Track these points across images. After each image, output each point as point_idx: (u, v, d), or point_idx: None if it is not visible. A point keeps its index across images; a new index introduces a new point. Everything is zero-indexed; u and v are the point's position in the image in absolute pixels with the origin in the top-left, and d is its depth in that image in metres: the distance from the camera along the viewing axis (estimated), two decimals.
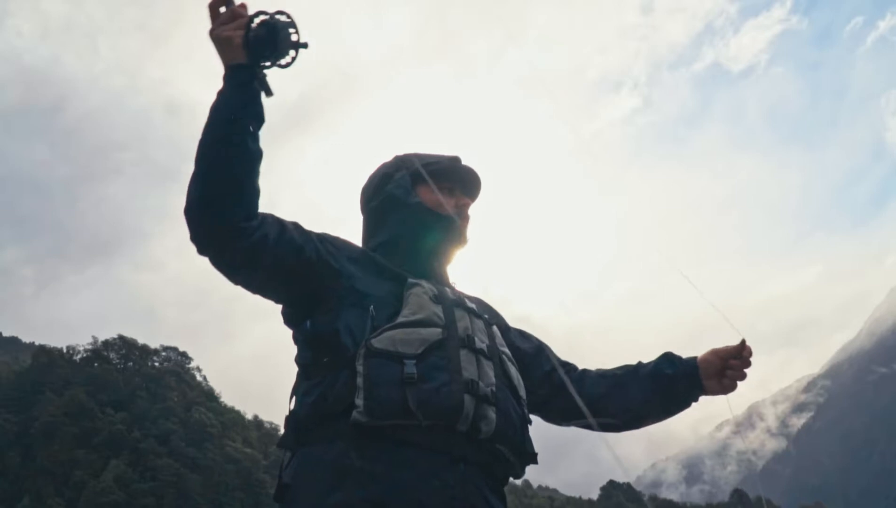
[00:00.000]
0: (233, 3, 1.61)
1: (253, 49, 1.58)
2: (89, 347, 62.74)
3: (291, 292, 1.74)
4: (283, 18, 1.61)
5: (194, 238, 1.58)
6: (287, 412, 1.65)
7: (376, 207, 1.94)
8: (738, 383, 1.91)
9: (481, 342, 1.67)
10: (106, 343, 62.43)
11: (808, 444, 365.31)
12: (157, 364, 61.52)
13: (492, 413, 1.56)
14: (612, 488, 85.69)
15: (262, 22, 1.59)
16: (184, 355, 64.14)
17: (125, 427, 51.70)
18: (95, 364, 60.12)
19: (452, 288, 1.86)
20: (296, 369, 1.75)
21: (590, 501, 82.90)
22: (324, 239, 1.77)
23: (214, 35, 1.60)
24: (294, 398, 1.67)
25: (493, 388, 1.60)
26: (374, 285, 1.72)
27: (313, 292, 1.70)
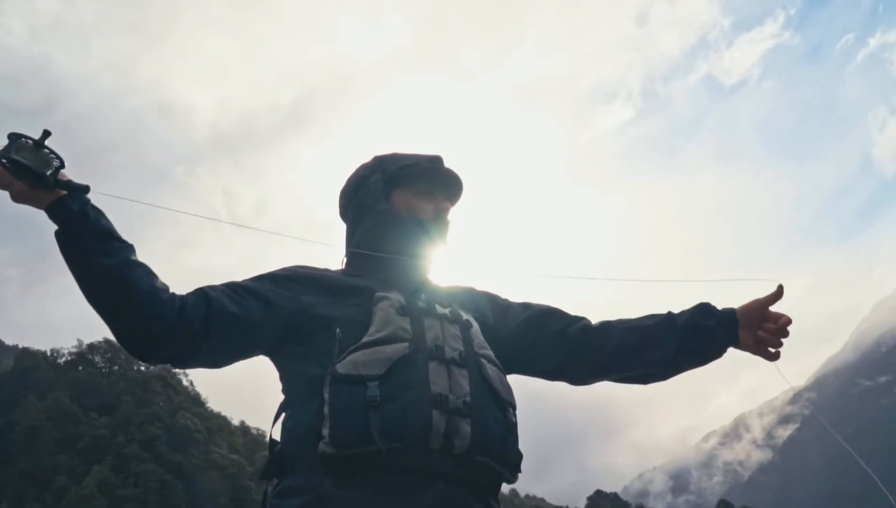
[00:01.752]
0: None
1: (33, 183, 1.49)
2: (74, 350, 62.28)
3: (256, 348, 1.69)
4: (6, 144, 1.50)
5: (136, 356, 1.60)
6: (269, 439, 1.63)
7: (352, 214, 1.89)
8: (773, 351, 1.80)
9: (453, 351, 1.60)
10: (91, 347, 61.92)
11: (794, 455, 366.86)
12: (142, 369, 60.95)
13: (466, 426, 1.50)
14: (598, 497, 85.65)
15: (6, 161, 1.48)
16: None
17: (109, 432, 51.26)
18: (80, 368, 59.62)
19: (431, 292, 1.79)
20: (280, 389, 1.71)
21: None
22: (278, 279, 1.72)
23: (15, 200, 1.52)
24: (276, 426, 1.63)
25: (468, 398, 1.53)
26: (340, 306, 1.66)
27: (279, 334, 1.66)
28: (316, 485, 1.47)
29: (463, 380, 1.56)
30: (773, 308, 1.80)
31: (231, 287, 1.66)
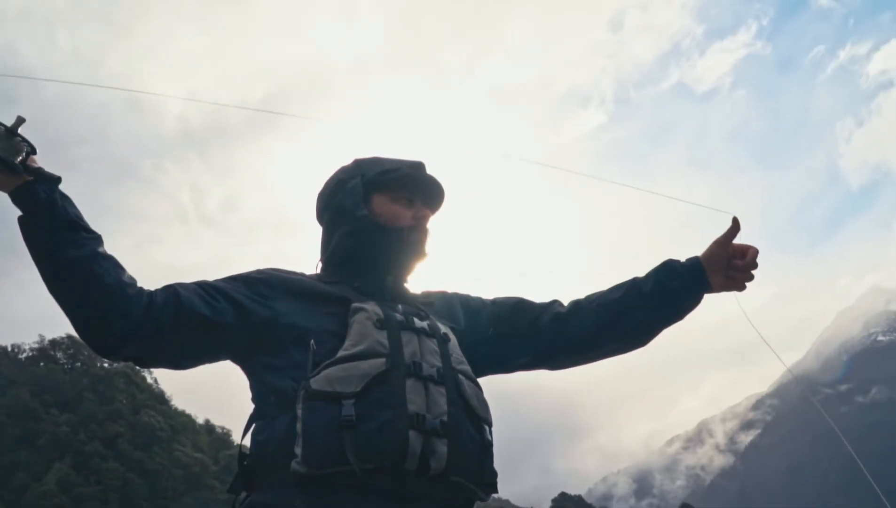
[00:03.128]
0: None
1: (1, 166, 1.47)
2: (35, 346, 61.01)
3: (223, 353, 1.67)
4: None
5: (89, 347, 1.55)
6: (239, 451, 1.58)
7: (329, 218, 1.85)
8: (748, 284, 1.84)
9: (430, 367, 1.55)
10: (53, 343, 60.71)
11: (755, 461, 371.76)
12: (105, 365, 60.01)
13: (442, 447, 1.46)
14: (563, 499, 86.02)
15: None
16: None
17: (70, 429, 50.34)
18: (41, 364, 58.48)
19: (408, 302, 1.76)
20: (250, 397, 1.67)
21: None
22: (252, 282, 1.68)
23: None
24: (246, 437, 1.59)
25: (444, 418, 1.49)
26: (315, 315, 1.63)
27: (246, 341, 1.62)
28: (286, 504, 1.42)
29: (440, 398, 1.52)
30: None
31: (203, 287, 1.62)
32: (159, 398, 59.45)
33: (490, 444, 1.61)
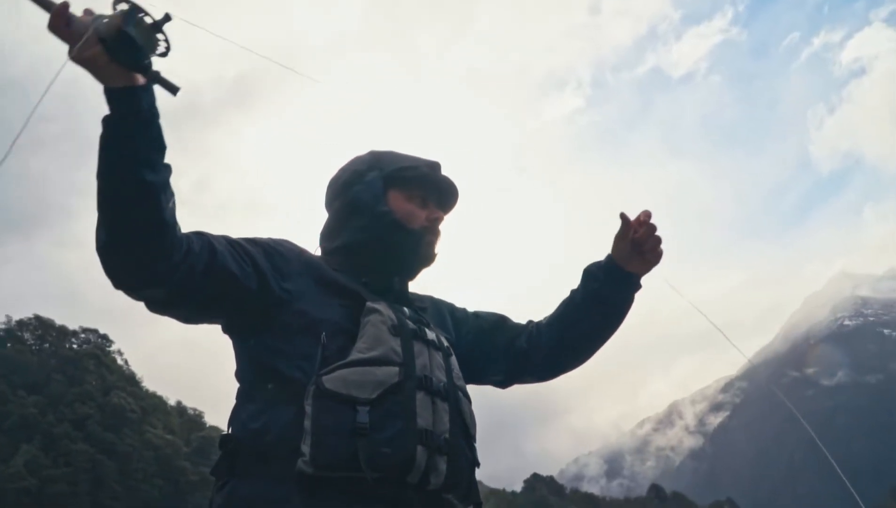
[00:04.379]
0: (73, 17, 1.33)
1: (125, 60, 1.33)
2: (2, 326, 59.95)
3: (231, 320, 1.59)
4: (124, 7, 1.35)
5: (109, 278, 1.39)
6: (225, 434, 1.53)
7: (341, 207, 1.78)
8: (659, 248, 1.84)
9: (439, 382, 1.55)
10: (21, 323, 59.89)
11: (724, 442, 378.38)
12: (75, 347, 59.38)
13: (443, 465, 1.47)
14: (535, 480, 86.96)
15: (113, 25, 1.32)
16: (104, 337, 61.87)
17: (38, 411, 49.74)
18: (8, 345, 57.63)
19: (411, 306, 1.73)
20: (234, 379, 1.61)
21: (513, 493, 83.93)
22: (271, 252, 1.60)
23: (77, 61, 1.33)
24: (234, 421, 1.53)
25: (447, 435, 1.50)
26: (327, 306, 1.57)
27: (257, 316, 1.55)
28: (281, 499, 1.38)
29: (444, 415, 1.52)
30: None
31: (231, 244, 1.55)
32: (130, 380, 58.93)
33: (478, 464, 1.62)
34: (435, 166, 1.82)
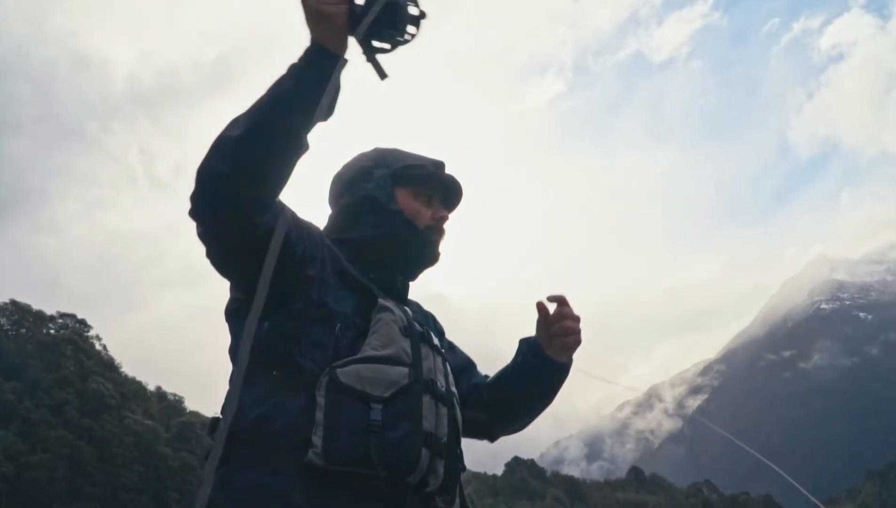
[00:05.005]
0: None
1: (365, 31, 1.36)
2: None
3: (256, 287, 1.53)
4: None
5: (198, 203, 1.39)
6: (216, 418, 1.50)
7: (350, 204, 1.74)
8: (574, 336, 1.82)
9: (441, 386, 1.56)
10: None
11: (702, 425, 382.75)
12: (52, 332, 58.83)
13: (441, 468, 1.48)
14: (516, 464, 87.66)
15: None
16: (82, 322, 61.40)
17: (15, 397, 49.30)
18: None
19: (412, 307, 1.73)
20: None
21: (494, 476, 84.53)
22: (311, 235, 1.57)
23: (311, 6, 1.36)
24: (232, 405, 1.50)
25: (445, 440, 1.51)
26: (342, 298, 1.56)
27: (282, 292, 1.50)
28: (281, 490, 1.36)
29: (444, 419, 1.53)
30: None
31: (297, 222, 1.55)
32: (108, 365, 58.54)
33: (465, 469, 1.64)
34: (440, 165, 1.81)
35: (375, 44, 1.42)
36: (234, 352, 1.57)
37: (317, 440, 1.36)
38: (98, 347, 60.59)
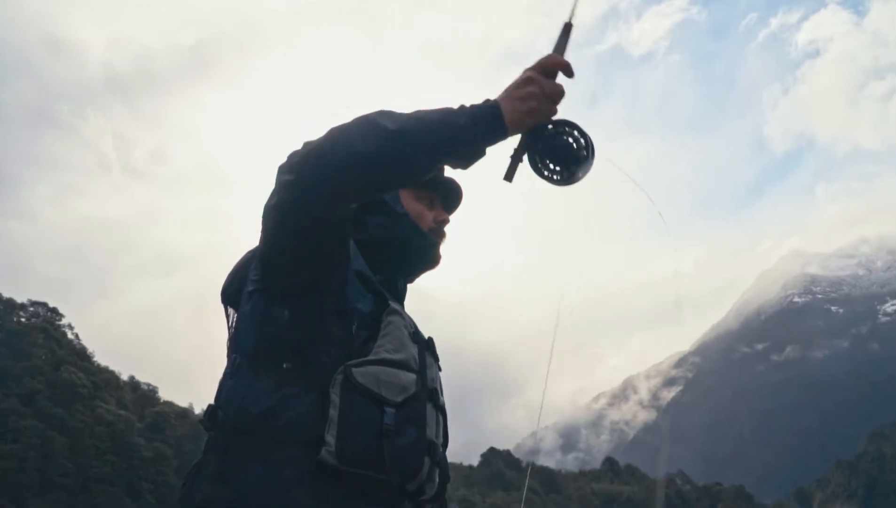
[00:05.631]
0: (571, 71, 1.48)
1: (538, 147, 1.47)
2: None
3: (304, 271, 1.49)
4: (580, 141, 1.47)
5: (315, 168, 1.39)
6: (213, 407, 1.48)
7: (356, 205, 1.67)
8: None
9: (441, 396, 1.60)
10: None
11: (676, 416, 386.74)
12: (23, 320, 57.92)
13: (436, 477, 1.51)
14: (492, 455, 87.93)
15: (565, 131, 1.47)
16: (54, 311, 60.56)
17: None
18: None
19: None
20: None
21: (470, 467, 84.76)
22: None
23: (537, 103, 1.44)
24: (229, 396, 1.47)
25: (440, 449, 1.54)
26: (361, 296, 1.55)
27: (310, 280, 1.49)
28: (286, 486, 1.35)
29: (441, 429, 1.57)
30: None
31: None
32: (81, 355, 57.84)
33: (450, 479, 1.63)
34: (442, 168, 1.76)
35: (531, 158, 1.50)
36: (244, 337, 1.53)
37: (330, 438, 1.35)
38: (70, 335, 59.93)
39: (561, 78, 1.48)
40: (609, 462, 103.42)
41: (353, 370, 1.41)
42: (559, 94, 1.46)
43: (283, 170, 1.42)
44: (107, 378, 58.03)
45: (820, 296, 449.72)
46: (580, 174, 1.48)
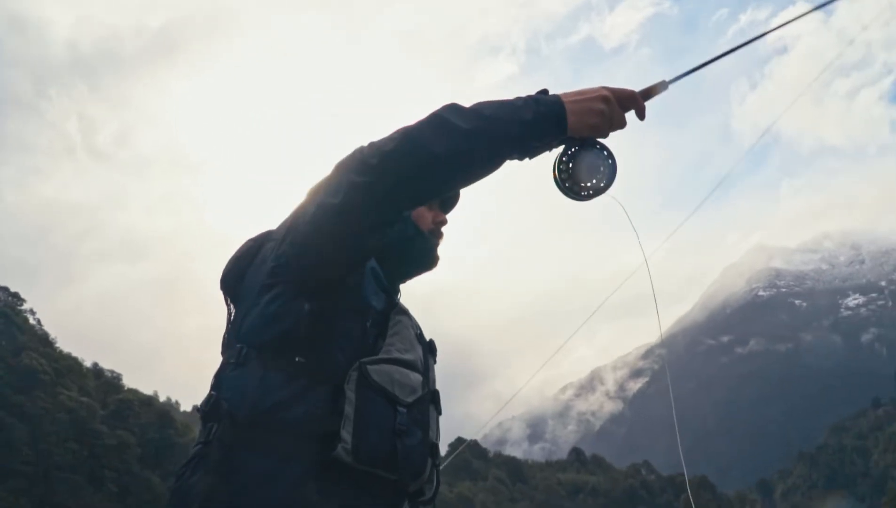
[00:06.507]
0: (643, 115, 1.58)
1: (577, 151, 1.51)
2: None
3: (342, 264, 1.48)
4: (608, 172, 1.53)
5: (396, 165, 1.37)
6: (215, 398, 1.44)
7: None
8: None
9: (438, 398, 1.61)
10: None
11: (642, 407, 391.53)
12: None
13: (435, 478, 1.53)
14: (459, 444, 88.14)
15: (606, 155, 1.52)
16: (15, 296, 59.35)
17: None
18: None
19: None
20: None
21: None
22: None
23: (600, 113, 1.47)
24: (232, 387, 1.44)
25: (439, 451, 1.56)
26: (375, 293, 1.54)
27: (334, 274, 1.47)
28: (294, 481, 1.33)
29: (439, 432, 1.58)
30: None
31: None
32: (42, 341, 56.78)
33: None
34: None
35: (564, 155, 1.53)
36: (258, 328, 1.48)
37: (346, 435, 1.33)
38: (32, 321, 58.73)
39: (630, 116, 1.53)
40: (576, 452, 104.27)
41: (369, 367, 1.40)
42: (621, 125, 1.51)
43: (353, 169, 1.39)
44: (69, 365, 57.06)
45: (784, 290, 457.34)
46: (586, 194, 1.53)
